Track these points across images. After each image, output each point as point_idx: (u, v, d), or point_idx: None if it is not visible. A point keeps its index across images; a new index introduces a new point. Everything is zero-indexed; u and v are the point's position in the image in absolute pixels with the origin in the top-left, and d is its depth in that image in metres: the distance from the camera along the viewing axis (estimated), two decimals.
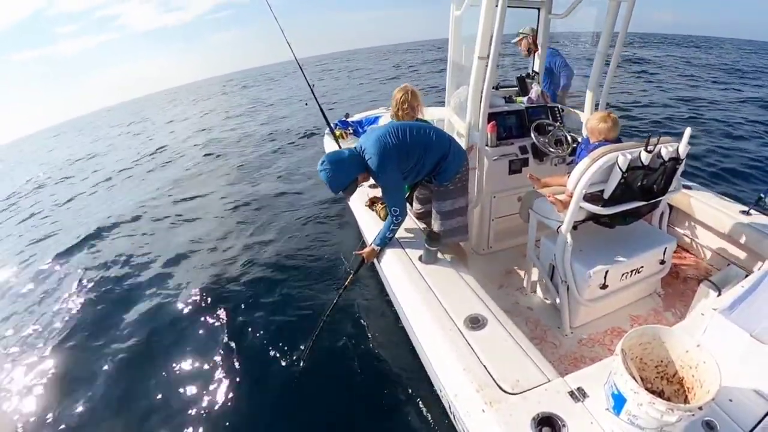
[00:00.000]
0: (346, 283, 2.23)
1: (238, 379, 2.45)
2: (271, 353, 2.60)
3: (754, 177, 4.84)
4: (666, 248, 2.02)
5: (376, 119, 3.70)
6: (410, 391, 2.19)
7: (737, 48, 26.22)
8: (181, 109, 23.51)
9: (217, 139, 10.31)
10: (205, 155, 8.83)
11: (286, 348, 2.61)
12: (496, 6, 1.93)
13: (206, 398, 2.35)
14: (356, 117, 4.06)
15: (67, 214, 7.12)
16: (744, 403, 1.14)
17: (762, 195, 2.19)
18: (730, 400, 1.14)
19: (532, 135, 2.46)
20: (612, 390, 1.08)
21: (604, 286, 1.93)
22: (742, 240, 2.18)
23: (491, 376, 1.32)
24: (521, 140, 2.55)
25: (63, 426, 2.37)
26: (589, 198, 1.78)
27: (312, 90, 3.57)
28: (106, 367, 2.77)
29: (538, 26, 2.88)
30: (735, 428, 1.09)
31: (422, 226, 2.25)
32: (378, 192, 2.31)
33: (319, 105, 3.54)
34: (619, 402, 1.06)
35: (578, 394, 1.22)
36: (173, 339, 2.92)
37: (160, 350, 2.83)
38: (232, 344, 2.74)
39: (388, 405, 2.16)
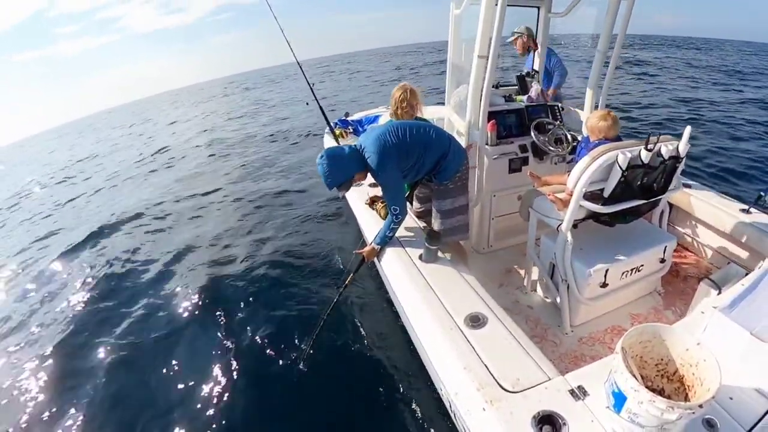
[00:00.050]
0: (347, 282, 2.23)
1: (237, 379, 2.45)
2: (271, 352, 2.60)
3: (754, 177, 4.85)
4: (666, 247, 2.02)
5: (375, 118, 3.70)
6: (410, 389, 2.19)
7: (738, 50, 26.25)
8: (182, 110, 23.57)
9: (220, 140, 10.35)
10: (209, 156, 8.87)
11: (286, 347, 2.61)
12: (496, 5, 1.94)
13: (206, 398, 2.35)
14: (356, 116, 4.07)
15: (70, 213, 7.14)
16: (744, 401, 1.14)
17: (762, 194, 2.19)
18: (731, 398, 1.14)
19: (532, 134, 2.47)
20: (612, 388, 1.08)
21: (604, 285, 1.93)
22: (743, 238, 2.18)
23: (492, 374, 1.32)
24: (521, 139, 2.55)
25: (63, 425, 2.37)
26: (589, 196, 1.79)
27: (312, 89, 3.58)
28: (105, 366, 2.78)
29: (537, 25, 2.89)
30: (735, 426, 1.08)
31: (422, 225, 2.25)
32: (378, 191, 2.31)
33: (318, 104, 3.56)
34: (619, 400, 1.05)
35: (579, 393, 1.22)
36: (173, 338, 2.92)
37: (160, 349, 2.83)
38: (232, 343, 2.74)
39: (388, 404, 2.16)
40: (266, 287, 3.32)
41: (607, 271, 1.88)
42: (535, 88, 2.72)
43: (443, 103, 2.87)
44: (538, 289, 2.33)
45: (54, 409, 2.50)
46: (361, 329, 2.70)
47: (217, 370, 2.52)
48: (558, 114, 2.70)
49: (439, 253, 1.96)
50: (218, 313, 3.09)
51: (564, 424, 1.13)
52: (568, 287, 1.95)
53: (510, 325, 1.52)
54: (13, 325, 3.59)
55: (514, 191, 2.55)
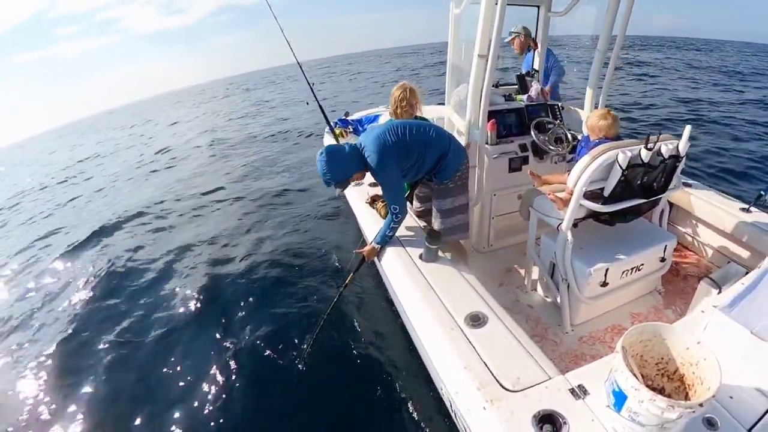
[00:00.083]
0: (347, 282, 2.23)
1: (237, 378, 2.45)
2: (271, 352, 2.60)
3: (754, 177, 4.85)
4: (666, 246, 2.02)
5: (375, 117, 3.70)
6: (411, 389, 2.18)
7: (738, 51, 26.27)
8: (184, 111, 23.61)
9: (221, 140, 10.37)
10: (210, 156, 8.89)
11: (286, 346, 2.61)
12: (496, 4, 1.94)
13: (206, 397, 2.34)
14: (356, 115, 4.07)
15: (71, 213, 7.16)
16: (745, 400, 1.14)
17: (762, 192, 2.19)
18: (731, 397, 1.14)
19: (532, 133, 2.47)
20: (613, 387, 1.08)
21: (604, 284, 1.93)
22: (743, 237, 2.18)
23: (492, 373, 1.31)
24: (521, 138, 2.55)
25: (63, 423, 2.37)
26: (590, 196, 1.78)
27: (312, 89, 3.59)
28: (105, 365, 2.78)
29: (537, 24, 2.89)
30: (736, 425, 1.08)
31: (422, 224, 2.25)
32: (379, 190, 2.31)
33: (318, 103, 3.56)
34: (619, 399, 1.05)
35: (579, 392, 1.22)
36: (174, 337, 2.93)
37: (160, 348, 2.83)
38: (232, 342, 2.74)
39: (388, 403, 2.15)
40: (266, 286, 3.32)
41: (607, 270, 1.88)
42: (535, 88, 2.72)
43: (444, 103, 2.87)
44: (539, 288, 2.32)
45: (54, 407, 2.50)
46: (361, 328, 2.70)
47: (216, 370, 2.52)
48: (558, 113, 2.71)
49: (440, 253, 1.95)
50: (218, 312, 3.09)
51: (564, 423, 1.13)
52: (568, 286, 1.95)
53: (510, 324, 1.52)
54: (15, 324, 3.59)
55: (514, 190, 2.55)
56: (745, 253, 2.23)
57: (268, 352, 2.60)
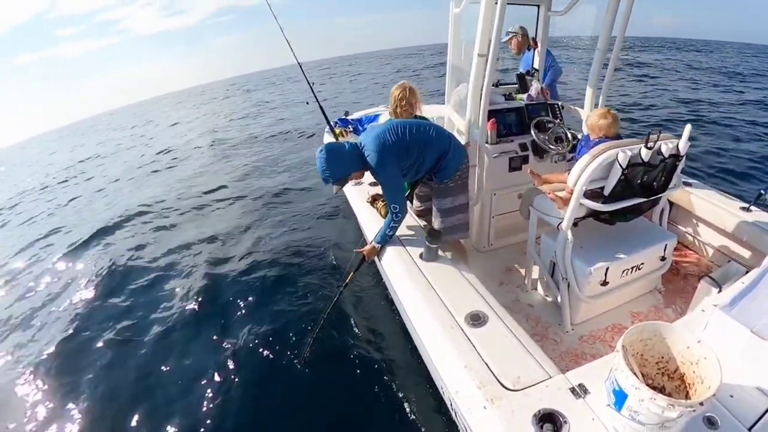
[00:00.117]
0: (347, 281, 2.23)
1: (237, 378, 2.44)
2: (271, 351, 2.60)
3: (753, 177, 4.85)
4: (666, 245, 2.02)
5: (375, 117, 3.70)
6: (411, 388, 2.18)
7: (738, 52, 26.29)
8: (184, 112, 23.64)
9: (222, 140, 10.39)
10: (211, 156, 8.90)
11: (286, 346, 2.60)
12: (496, 3, 1.94)
13: (206, 397, 2.34)
14: (356, 115, 4.07)
15: (72, 213, 7.17)
16: (745, 398, 1.13)
17: (762, 192, 2.19)
18: (731, 396, 1.14)
19: (532, 132, 2.47)
20: (613, 386, 1.07)
21: (604, 283, 1.93)
22: (743, 236, 2.18)
23: (492, 372, 1.31)
24: (521, 137, 2.55)
25: (62, 422, 2.37)
26: (590, 195, 1.79)
27: (312, 89, 3.59)
28: (105, 364, 2.78)
29: (537, 23, 2.90)
30: (736, 424, 1.08)
31: (423, 223, 2.25)
32: (379, 189, 2.32)
33: (318, 103, 3.57)
34: (620, 398, 1.05)
35: (579, 391, 1.21)
36: (174, 336, 2.93)
37: (160, 348, 2.83)
38: (232, 342, 2.74)
39: (388, 403, 2.15)
40: (266, 285, 3.32)
41: (607, 269, 1.88)
42: (535, 87, 2.72)
43: (444, 103, 2.87)
44: (539, 287, 2.32)
45: (54, 406, 2.50)
46: (361, 328, 2.70)
47: (216, 369, 2.52)
48: (558, 112, 2.71)
49: (440, 252, 1.95)
50: (218, 311, 3.10)
51: (565, 422, 1.13)
52: (568, 285, 1.94)
53: (510, 323, 1.52)
54: (16, 323, 3.60)
55: (514, 190, 2.55)
56: (745, 252, 2.22)
57: (267, 351, 2.60)
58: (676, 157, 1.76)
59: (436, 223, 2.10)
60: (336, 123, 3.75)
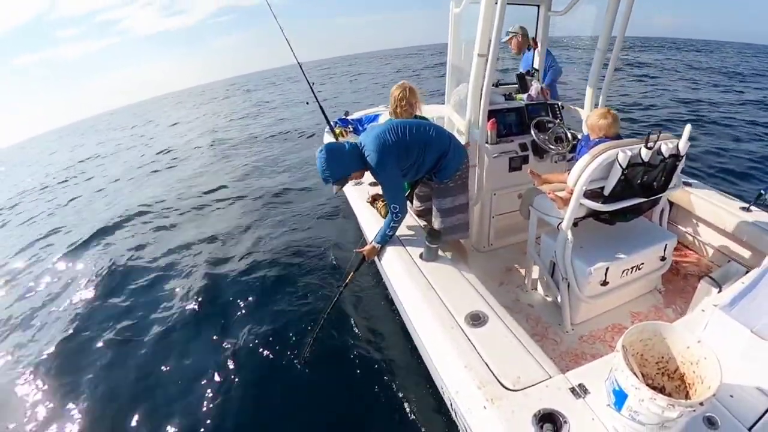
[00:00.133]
0: (347, 281, 2.23)
1: (237, 378, 2.44)
2: (271, 351, 2.60)
3: (754, 177, 4.85)
4: (666, 245, 2.02)
5: (375, 117, 3.70)
6: (411, 388, 2.18)
7: (738, 52, 26.28)
8: (185, 112, 23.64)
9: (222, 140, 10.40)
10: (211, 156, 8.91)
11: (286, 346, 2.60)
12: (496, 3, 1.94)
13: (206, 397, 2.34)
14: (356, 115, 4.07)
15: (73, 213, 7.17)
16: (745, 398, 1.13)
17: (762, 191, 2.19)
18: (731, 396, 1.14)
19: (532, 132, 2.47)
20: (613, 386, 1.07)
21: (604, 283, 1.93)
22: (743, 236, 2.18)
23: (492, 372, 1.31)
24: (521, 137, 2.56)
25: (62, 421, 2.37)
26: (590, 195, 1.79)
27: (312, 89, 3.59)
28: (105, 364, 2.78)
29: (537, 23, 2.90)
30: (736, 424, 1.08)
31: (423, 223, 2.25)
32: (380, 189, 2.32)
33: (318, 103, 3.57)
34: (620, 398, 1.05)
35: (579, 391, 1.21)
36: (174, 336, 2.93)
37: (160, 348, 2.83)
38: (232, 342, 2.73)
39: (388, 403, 2.15)
40: (266, 285, 3.32)
41: (607, 269, 1.88)
42: (535, 87, 2.72)
43: (444, 103, 2.87)
44: (539, 287, 2.32)
45: (54, 406, 2.50)
46: (361, 328, 2.70)
47: (216, 369, 2.52)
48: (558, 112, 2.71)
49: (440, 252, 1.95)
50: (218, 311, 3.09)
51: (565, 422, 1.13)
52: (568, 285, 1.94)
53: (510, 323, 1.52)
54: (16, 323, 3.60)
55: (514, 190, 2.55)
56: (745, 252, 2.22)
57: (267, 351, 2.60)
58: (676, 157, 1.76)
59: (436, 223, 2.10)
60: (336, 123, 3.75)
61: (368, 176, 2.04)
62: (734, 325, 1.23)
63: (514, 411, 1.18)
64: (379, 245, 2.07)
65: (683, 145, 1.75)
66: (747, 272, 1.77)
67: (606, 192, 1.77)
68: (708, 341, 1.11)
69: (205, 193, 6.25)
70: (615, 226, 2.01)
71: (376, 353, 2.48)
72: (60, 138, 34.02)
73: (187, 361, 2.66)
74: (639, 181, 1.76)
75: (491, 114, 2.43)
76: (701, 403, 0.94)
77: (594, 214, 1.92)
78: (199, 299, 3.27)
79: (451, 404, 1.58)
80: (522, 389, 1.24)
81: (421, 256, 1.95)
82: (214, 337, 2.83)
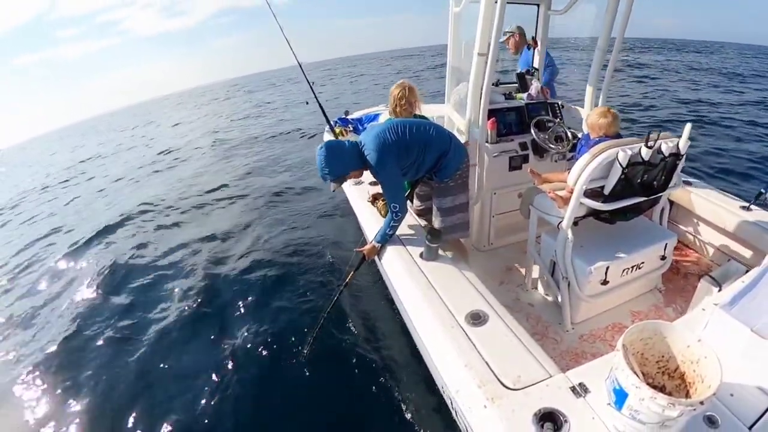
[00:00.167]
0: (347, 280, 2.23)
1: (237, 378, 2.44)
2: (271, 351, 2.60)
3: (754, 177, 4.84)
4: (666, 244, 2.01)
5: (375, 116, 3.70)
6: (411, 387, 2.18)
7: (738, 53, 26.30)
8: (185, 113, 23.69)
9: (223, 141, 10.42)
10: (212, 156, 8.93)
11: (286, 345, 2.60)
12: (496, 2, 1.94)
13: (205, 396, 2.34)
14: (356, 114, 4.07)
15: (74, 213, 7.18)
16: (745, 397, 1.13)
17: (762, 191, 2.19)
18: (732, 395, 1.13)
19: (532, 131, 2.47)
20: (613, 385, 1.07)
21: (604, 282, 1.92)
22: (743, 235, 2.18)
23: (493, 372, 1.31)
24: (521, 137, 2.56)
25: (62, 421, 2.37)
26: (590, 194, 1.78)
27: (312, 88, 3.60)
28: (105, 363, 2.78)
29: (537, 22, 2.90)
30: (736, 423, 1.08)
31: (423, 222, 2.25)
32: (380, 189, 2.32)
33: (318, 102, 3.57)
34: (620, 397, 1.04)
35: (580, 390, 1.21)
36: (174, 335, 2.93)
37: (159, 348, 2.83)
38: (232, 342, 2.73)
39: (389, 402, 2.15)
40: (266, 285, 3.33)
41: (607, 268, 1.88)
42: (535, 86, 2.73)
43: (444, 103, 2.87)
44: (539, 286, 2.32)
45: (54, 405, 2.50)
46: (362, 327, 2.70)
47: (216, 369, 2.51)
48: (558, 111, 2.71)
49: (440, 251, 1.95)
50: (218, 310, 3.10)
51: (565, 421, 1.12)
52: (568, 285, 1.94)
53: (511, 322, 1.52)
54: (17, 321, 3.61)
55: (514, 189, 2.55)
56: (745, 251, 2.22)
57: (267, 350, 2.60)
58: (676, 156, 1.76)
59: (437, 223, 2.10)
60: (336, 122, 3.76)
61: (368, 175, 2.04)
62: (734, 324, 1.23)
63: (514, 410, 1.17)
64: (380, 244, 2.07)
65: (683, 143, 1.75)
66: (747, 271, 1.77)
67: (606, 191, 1.77)
68: (708, 340, 1.11)
69: (207, 192, 6.27)
70: (615, 225, 2.01)
71: (376, 352, 2.48)
72: (61, 139, 34.11)
73: (187, 359, 2.66)
74: (639, 180, 1.76)
75: (491, 113, 2.43)
76: (701, 402, 0.93)
77: (594, 213, 1.91)
78: (200, 298, 3.27)
79: (451, 403, 1.58)
80: (522, 388, 1.24)
81: (421, 255, 1.94)
82: (214, 336, 2.83)
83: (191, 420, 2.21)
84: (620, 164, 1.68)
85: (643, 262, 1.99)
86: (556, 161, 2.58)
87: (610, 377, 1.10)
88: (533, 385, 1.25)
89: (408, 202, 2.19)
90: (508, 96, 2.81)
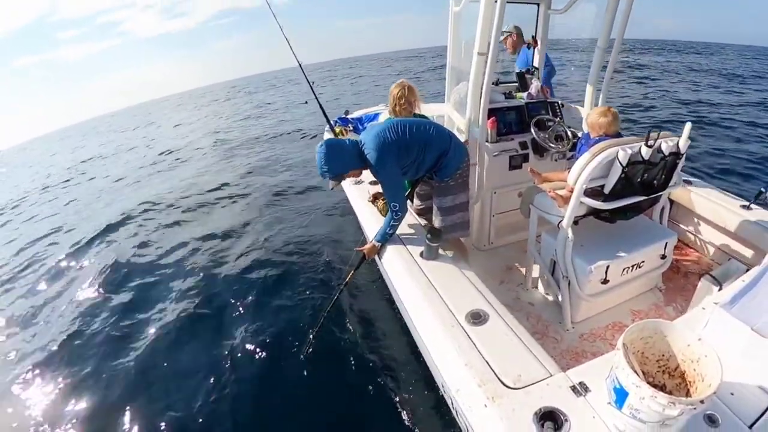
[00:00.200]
0: (347, 279, 2.23)
1: (237, 377, 2.44)
2: (271, 351, 2.60)
3: (754, 177, 4.85)
4: (667, 243, 2.01)
5: (375, 116, 3.70)
6: (412, 386, 2.18)
7: (738, 54, 26.31)
8: (186, 114, 23.73)
9: (224, 141, 10.45)
10: (213, 156, 8.94)
11: (286, 345, 2.60)
12: (496, 1, 1.95)
13: (205, 396, 2.34)
14: (356, 114, 4.07)
15: (75, 213, 7.19)
16: (746, 396, 1.13)
17: (762, 189, 2.19)
18: (732, 394, 1.13)
19: (532, 130, 2.47)
20: (614, 384, 1.07)
21: (605, 281, 1.92)
22: (743, 235, 2.18)
23: (493, 371, 1.30)
24: (521, 136, 2.56)
25: (61, 420, 2.37)
26: (590, 193, 1.78)
27: (312, 88, 3.60)
28: (106, 362, 2.78)
29: (537, 22, 2.90)
30: (737, 422, 1.08)
31: (423, 222, 2.25)
32: (380, 188, 2.32)
33: (318, 102, 3.57)
34: (621, 396, 1.04)
35: (580, 389, 1.21)
36: (174, 335, 2.93)
37: (159, 347, 2.83)
38: (231, 341, 2.73)
39: (389, 401, 2.14)
40: (267, 284, 3.33)
41: (607, 267, 1.88)
42: (535, 85, 2.73)
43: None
44: (539, 285, 2.32)
45: (54, 404, 2.51)
46: (362, 327, 2.70)
47: (217, 368, 2.52)
48: (558, 111, 2.71)
49: (440, 250, 1.95)
50: (218, 310, 3.10)
51: (566, 420, 1.12)
52: (569, 284, 1.94)
53: (511, 321, 1.51)
54: (18, 321, 3.61)
55: (514, 188, 2.55)
56: (745, 250, 2.22)
57: (267, 350, 2.60)
58: (676, 155, 1.76)
59: (437, 222, 2.10)
60: (336, 122, 3.76)
61: (368, 175, 2.04)
62: (735, 323, 1.23)
63: (514, 409, 1.17)
64: (380, 244, 2.07)
65: (683, 143, 1.75)
66: (747, 270, 1.77)
67: (606, 190, 1.77)
68: (708, 339, 1.11)
69: (208, 191, 6.29)
70: (615, 224, 2.01)
71: (377, 352, 2.48)
72: (61, 139, 34.14)
73: (187, 358, 2.66)
74: (639, 179, 1.76)
75: (491, 112, 2.43)
76: (702, 401, 0.93)
77: (594, 213, 1.91)
78: (200, 297, 3.28)
79: (451, 403, 1.58)
80: (523, 387, 1.24)
81: (421, 254, 1.94)
82: (214, 335, 2.83)
83: (191, 419, 2.21)
84: (620, 163, 1.67)
85: (643, 261, 1.99)
86: (556, 160, 2.58)
87: (610, 376, 1.10)
88: (533, 384, 1.25)
89: (408, 201, 2.19)
90: (508, 95, 2.81)
